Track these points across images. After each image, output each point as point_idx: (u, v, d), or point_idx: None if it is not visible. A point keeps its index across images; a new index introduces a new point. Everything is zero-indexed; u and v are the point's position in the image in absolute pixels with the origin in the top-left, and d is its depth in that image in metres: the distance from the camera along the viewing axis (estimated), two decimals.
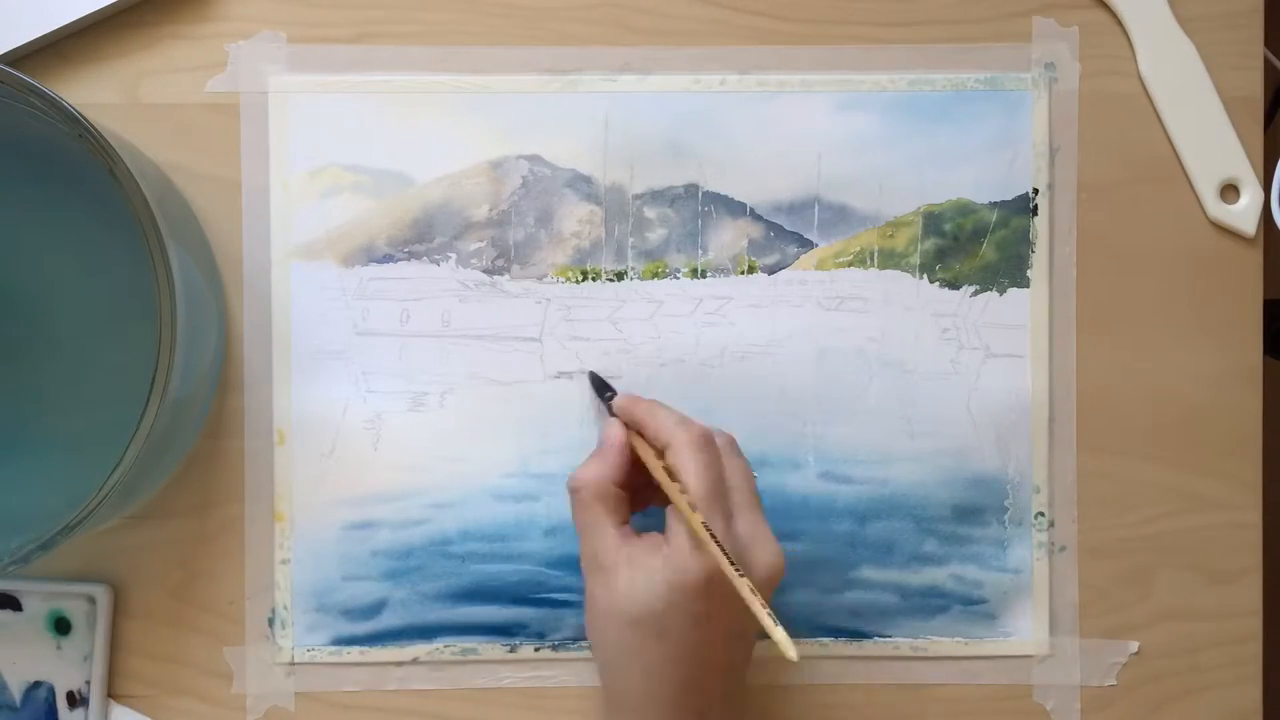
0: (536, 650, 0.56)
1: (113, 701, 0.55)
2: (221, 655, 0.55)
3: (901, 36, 0.56)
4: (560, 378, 0.55)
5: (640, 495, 0.51)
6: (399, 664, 0.56)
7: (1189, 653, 0.56)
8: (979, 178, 0.56)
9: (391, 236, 0.55)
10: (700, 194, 0.56)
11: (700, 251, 0.56)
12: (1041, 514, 0.56)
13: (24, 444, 0.53)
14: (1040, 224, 0.56)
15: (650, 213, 0.56)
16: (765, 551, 0.49)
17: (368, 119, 0.55)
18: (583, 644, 0.56)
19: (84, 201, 0.52)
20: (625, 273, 0.56)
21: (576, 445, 0.55)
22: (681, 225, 0.56)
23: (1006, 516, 0.56)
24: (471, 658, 0.56)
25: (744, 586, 0.45)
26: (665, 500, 0.49)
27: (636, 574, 0.47)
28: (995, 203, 0.56)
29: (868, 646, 0.56)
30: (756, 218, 0.56)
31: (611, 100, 0.55)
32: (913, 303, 0.56)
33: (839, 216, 0.56)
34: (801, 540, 0.55)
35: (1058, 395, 0.56)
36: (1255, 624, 0.56)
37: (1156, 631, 0.56)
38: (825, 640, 0.56)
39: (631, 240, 0.56)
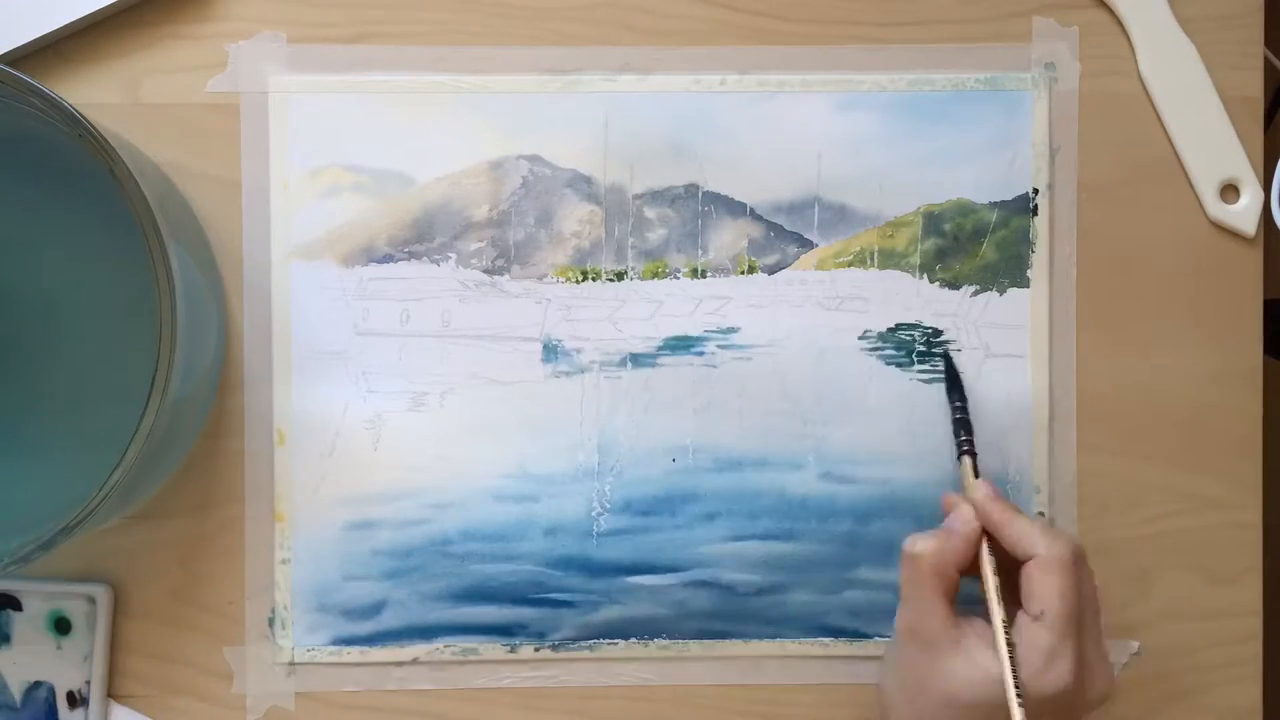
0: (536, 650, 0.56)
1: (113, 701, 0.55)
2: (221, 655, 0.55)
3: (901, 36, 0.56)
4: (560, 377, 0.55)
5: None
6: (399, 664, 0.56)
7: (1189, 653, 0.56)
8: (979, 178, 0.56)
9: (391, 236, 0.55)
10: (700, 194, 0.56)
11: (700, 251, 0.56)
12: (1041, 514, 0.56)
13: (24, 444, 0.53)
14: (1040, 224, 0.56)
15: (650, 213, 0.56)
16: (1101, 677, 0.48)
17: (368, 119, 0.55)
18: (583, 644, 0.56)
19: (84, 201, 0.52)
20: (625, 273, 0.56)
21: (576, 445, 0.55)
22: (681, 225, 0.56)
23: None
24: (471, 658, 0.56)
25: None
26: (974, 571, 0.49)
27: (969, 662, 0.47)
28: (995, 203, 0.56)
29: (868, 646, 0.56)
30: (756, 218, 0.56)
31: (611, 100, 0.55)
32: (913, 303, 0.56)
33: (839, 216, 0.56)
34: (801, 540, 0.55)
35: (1058, 395, 0.56)
36: (1255, 624, 0.56)
37: (1156, 631, 0.56)
38: (825, 640, 0.56)
39: (631, 240, 0.56)
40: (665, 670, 0.56)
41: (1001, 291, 0.56)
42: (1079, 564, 0.48)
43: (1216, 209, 0.56)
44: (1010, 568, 0.49)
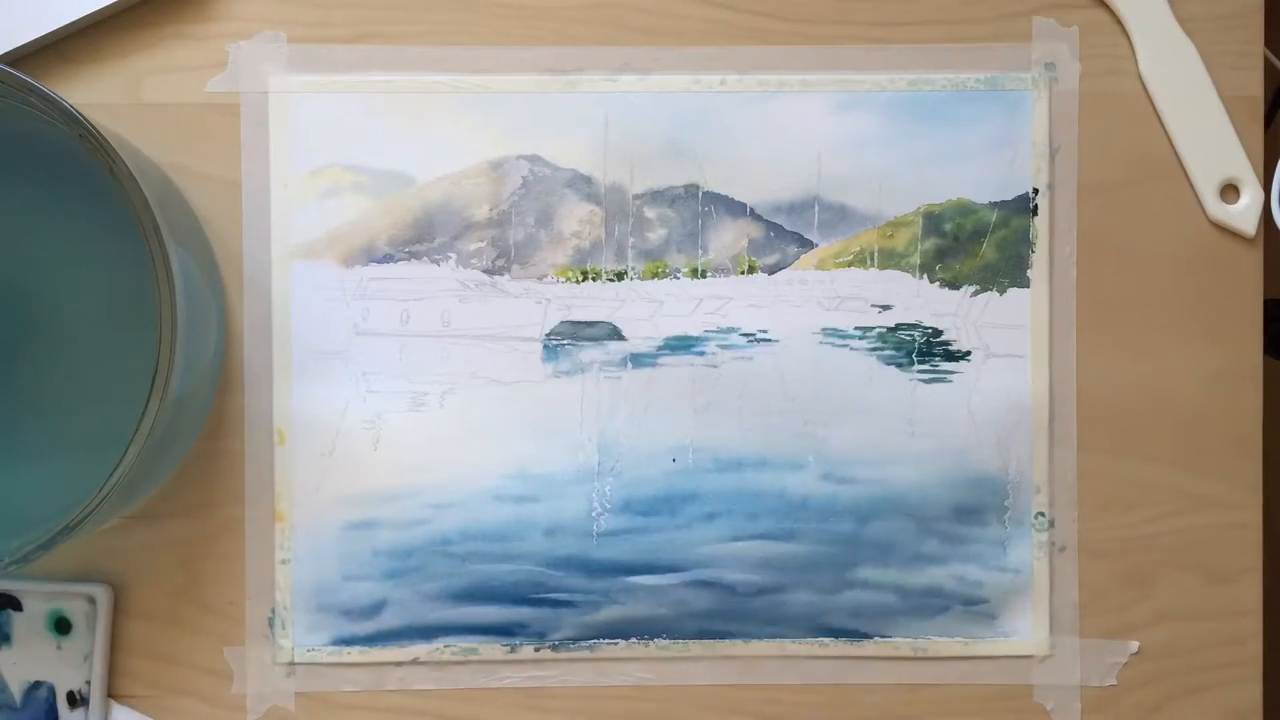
0: (536, 650, 0.56)
1: (113, 701, 0.55)
2: (221, 655, 0.55)
3: (901, 36, 0.56)
4: (560, 377, 0.55)
5: None
6: (399, 664, 0.56)
7: (1189, 653, 0.56)
8: (979, 178, 0.56)
9: (392, 236, 0.55)
10: (700, 194, 0.56)
11: (700, 251, 0.56)
12: (1041, 514, 0.56)
13: (24, 444, 0.53)
14: (1040, 224, 0.56)
15: (650, 213, 0.56)
16: None
17: (368, 119, 0.55)
18: (583, 644, 0.56)
19: (84, 201, 0.52)
20: (625, 273, 0.56)
21: (576, 445, 0.55)
22: (681, 225, 0.56)
23: (1007, 516, 0.56)
24: (471, 658, 0.56)
25: None
26: None
27: None
28: (995, 203, 0.56)
29: (868, 646, 0.56)
30: (756, 218, 0.56)
31: (611, 100, 0.55)
32: (913, 303, 0.56)
33: (839, 216, 0.56)
34: (802, 540, 0.55)
35: (1058, 395, 0.56)
36: (1255, 624, 0.56)
37: (1156, 631, 0.56)
38: (825, 640, 0.56)
39: (631, 240, 0.56)
40: (665, 670, 0.56)
41: (1001, 291, 0.56)
42: None
43: (1216, 209, 0.56)
44: None
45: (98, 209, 0.51)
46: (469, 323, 0.55)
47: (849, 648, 0.56)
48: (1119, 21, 0.56)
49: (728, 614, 0.56)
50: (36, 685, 0.55)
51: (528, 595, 0.56)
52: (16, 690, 0.55)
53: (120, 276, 0.52)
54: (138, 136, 0.54)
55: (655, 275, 0.56)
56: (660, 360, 0.56)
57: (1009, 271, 0.56)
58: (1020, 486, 0.56)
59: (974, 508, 0.56)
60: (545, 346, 0.55)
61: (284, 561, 0.55)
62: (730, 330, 0.56)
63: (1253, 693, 0.56)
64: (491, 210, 0.55)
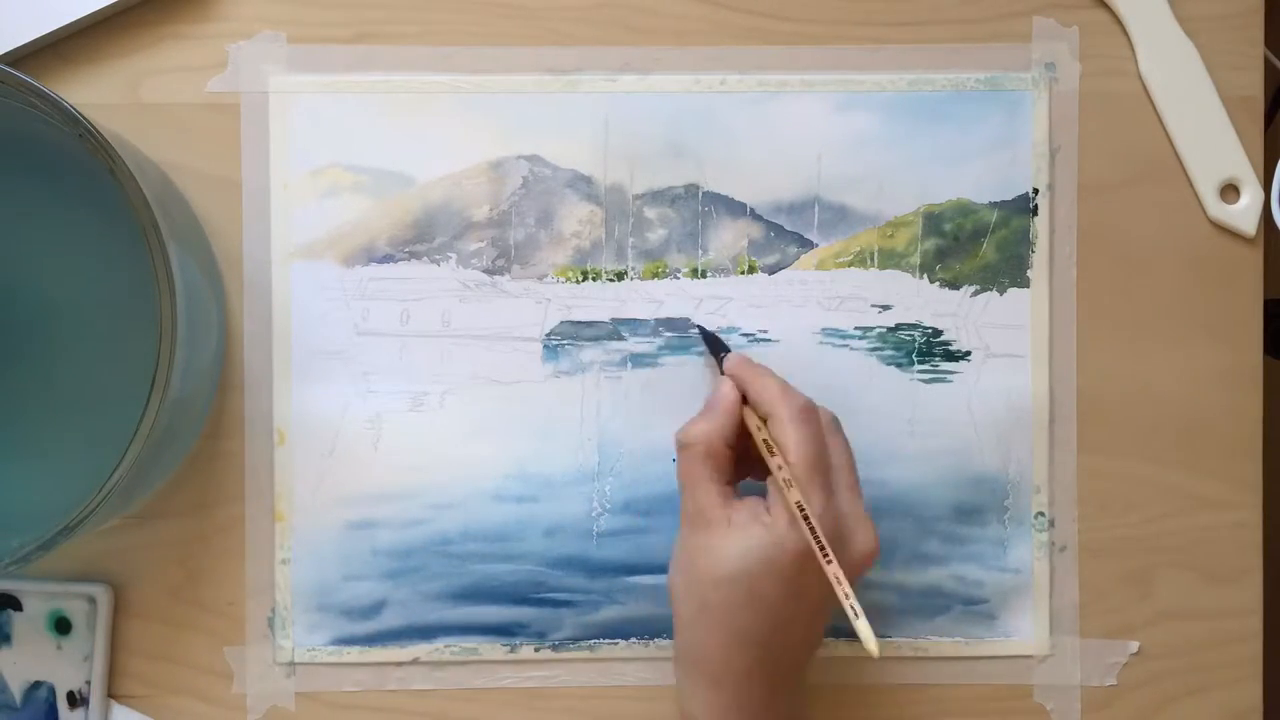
0: (536, 650, 0.56)
1: (113, 701, 0.55)
2: (221, 655, 0.55)
3: (901, 36, 0.56)
4: (560, 377, 0.55)
5: (743, 465, 0.51)
6: (399, 664, 0.56)
7: (1189, 653, 0.56)
8: (979, 178, 0.56)
9: (392, 236, 0.55)
10: (700, 194, 0.56)
11: (700, 251, 0.56)
12: (1041, 514, 0.56)
13: (24, 444, 0.53)
14: (1040, 224, 0.56)
15: (650, 213, 0.56)
16: (861, 535, 0.49)
17: (368, 119, 0.55)
18: (583, 644, 0.56)
19: (84, 201, 0.52)
20: (625, 273, 0.56)
21: (576, 445, 0.55)
22: (681, 225, 0.56)
23: (1007, 516, 0.56)
24: (471, 658, 0.56)
25: (831, 573, 0.45)
26: (766, 474, 0.49)
27: (735, 535, 0.48)
28: (995, 203, 0.56)
29: None
30: (757, 218, 0.56)
31: (611, 100, 0.55)
32: (913, 303, 0.56)
33: (839, 216, 0.56)
34: None
35: (1058, 395, 0.56)
36: (1255, 624, 0.56)
37: (1156, 631, 0.56)
38: (825, 640, 0.56)
39: (631, 240, 0.56)
40: (665, 670, 0.56)
41: (1001, 291, 0.56)
42: (813, 419, 0.49)
43: (1216, 209, 0.56)
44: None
45: (98, 209, 0.51)
46: (469, 323, 0.55)
47: (848, 648, 0.56)
48: (1119, 21, 0.56)
49: None
50: (36, 685, 0.55)
51: (528, 595, 0.56)
52: (16, 690, 0.55)
53: (120, 276, 0.52)
54: (138, 136, 0.53)
55: (655, 275, 0.56)
56: (660, 360, 0.56)
57: (1009, 271, 0.56)
58: (1020, 486, 0.56)
59: (974, 508, 0.56)
60: (545, 346, 0.55)
61: (284, 561, 0.55)
62: (730, 330, 0.56)
63: (1253, 693, 0.56)
64: (491, 210, 0.55)
